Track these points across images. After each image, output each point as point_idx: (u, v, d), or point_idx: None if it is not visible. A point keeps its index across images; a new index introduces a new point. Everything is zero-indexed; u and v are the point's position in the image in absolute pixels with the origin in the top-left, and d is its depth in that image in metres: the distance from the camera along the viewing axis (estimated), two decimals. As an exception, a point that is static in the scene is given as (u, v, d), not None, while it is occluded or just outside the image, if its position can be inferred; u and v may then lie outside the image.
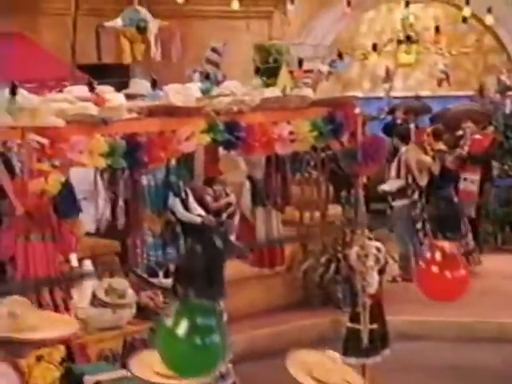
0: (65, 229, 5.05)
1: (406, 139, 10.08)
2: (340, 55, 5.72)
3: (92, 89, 4.92)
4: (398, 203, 9.73)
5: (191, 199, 8.40)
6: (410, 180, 9.70)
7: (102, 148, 5.02)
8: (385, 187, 9.73)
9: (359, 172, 6.13)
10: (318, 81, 9.54)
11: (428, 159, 9.86)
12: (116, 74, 11.03)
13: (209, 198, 8.72)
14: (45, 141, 4.82)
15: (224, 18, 11.71)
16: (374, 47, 6.59)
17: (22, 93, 5.16)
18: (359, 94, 14.40)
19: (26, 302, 4.55)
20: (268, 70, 12.12)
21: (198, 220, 8.31)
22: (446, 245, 3.75)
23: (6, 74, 9.45)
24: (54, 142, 4.85)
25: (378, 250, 6.14)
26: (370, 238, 6.12)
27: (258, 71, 6.23)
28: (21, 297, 4.58)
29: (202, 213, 8.36)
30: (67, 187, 4.92)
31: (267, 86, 8.97)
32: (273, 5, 12.12)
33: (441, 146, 10.09)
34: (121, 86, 7.22)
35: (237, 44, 11.75)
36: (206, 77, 5.48)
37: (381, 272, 6.17)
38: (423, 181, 9.74)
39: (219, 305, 3.13)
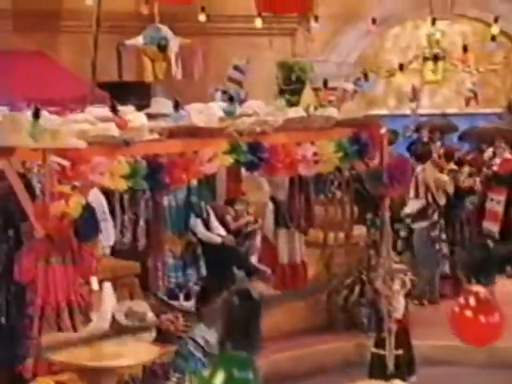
0: (85, 251, 5.10)
1: (423, 158, 10.05)
2: (365, 75, 5.75)
3: (115, 111, 4.96)
4: (418, 225, 9.65)
5: (212, 218, 8.43)
6: (430, 199, 9.66)
7: (123, 170, 5.07)
8: (407, 210, 9.68)
9: (385, 194, 6.12)
10: (343, 99, 9.57)
11: (445, 177, 9.82)
12: (137, 92, 11.11)
13: (229, 218, 8.75)
14: (66, 163, 4.87)
15: (246, 35, 11.77)
16: (401, 67, 6.60)
17: (43, 114, 5.25)
18: (384, 112, 14.42)
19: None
20: (291, 88, 12.22)
21: (219, 240, 8.33)
22: (481, 290, 3.75)
23: (25, 92, 9.58)
24: (75, 164, 4.91)
25: (404, 273, 6.12)
26: (395, 261, 6.10)
27: (281, 92, 6.24)
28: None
29: (223, 232, 8.38)
30: (88, 209, 4.96)
31: (290, 104, 9.00)
32: (296, 21, 12.16)
33: (452, 165, 10.08)
34: (142, 105, 7.30)
35: (259, 61, 11.81)
36: (230, 99, 5.51)
37: (407, 296, 6.15)
38: (442, 200, 9.72)
39: (256, 357, 3.17)
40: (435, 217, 9.65)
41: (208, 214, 8.33)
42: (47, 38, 11.10)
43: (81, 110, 7.19)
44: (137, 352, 4.66)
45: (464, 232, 9.87)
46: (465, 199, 9.98)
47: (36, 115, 4.62)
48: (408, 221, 9.25)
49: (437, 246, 9.70)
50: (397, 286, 5.94)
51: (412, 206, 9.46)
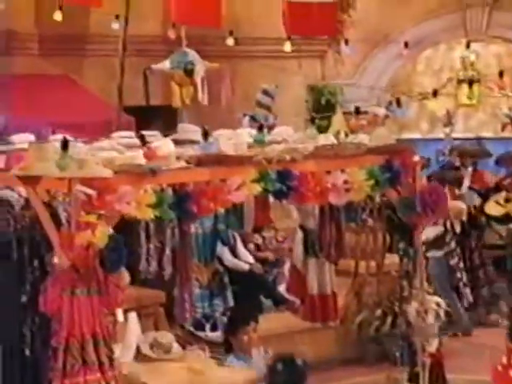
0: (111, 282, 5.14)
1: (453, 184, 10.00)
2: (398, 100, 5.76)
3: (143, 141, 5.03)
4: (432, 254, 9.55)
5: (239, 245, 8.46)
6: (448, 226, 9.60)
7: (149, 199, 5.13)
8: (423, 237, 9.58)
9: (418, 223, 6.12)
10: (374, 124, 9.59)
11: (462, 204, 9.76)
12: (163, 117, 11.25)
13: (252, 246, 8.78)
14: (92, 192, 4.93)
15: (275, 57, 11.86)
16: (434, 93, 6.62)
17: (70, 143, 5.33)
18: (417, 136, 14.39)
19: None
20: (321, 112, 12.27)
21: (246, 267, 8.35)
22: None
23: (50, 116, 9.73)
24: (102, 193, 4.97)
25: (438, 305, 6.09)
26: (429, 293, 6.08)
27: (313, 121, 6.28)
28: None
29: (251, 260, 8.40)
30: (114, 239, 5.01)
31: (320, 128, 9.04)
32: (326, 44, 12.23)
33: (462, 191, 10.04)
34: (168, 129, 7.38)
35: (288, 84, 11.90)
36: (260, 128, 5.55)
37: (441, 328, 6.12)
38: (458, 227, 9.67)
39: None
40: (452, 245, 9.58)
41: (235, 241, 8.36)
42: (73, 62, 11.28)
43: (106, 135, 7.31)
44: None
45: (475, 259, 9.78)
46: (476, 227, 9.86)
47: (64, 147, 4.69)
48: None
49: (458, 275, 9.61)
50: (431, 318, 5.91)
51: (428, 234, 9.34)
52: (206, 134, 5.36)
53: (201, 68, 9.24)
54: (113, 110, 9.93)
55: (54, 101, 10.30)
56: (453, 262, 9.54)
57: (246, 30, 12.00)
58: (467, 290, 9.50)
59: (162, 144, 5.68)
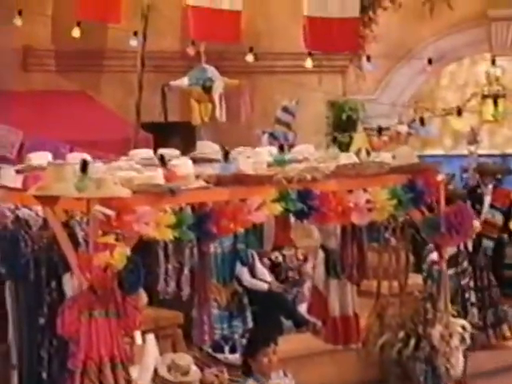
0: (129, 304, 5.17)
1: (472, 202, 9.95)
2: (422, 119, 5.78)
3: (163, 163, 5.07)
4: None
5: (257, 264, 8.47)
6: (461, 245, 9.56)
7: (169, 220, 5.17)
8: (434, 256, 9.55)
9: (442, 244, 6.11)
10: (397, 141, 9.60)
11: (476, 223, 9.71)
12: (181, 133, 11.31)
13: (271, 265, 8.77)
14: (110, 212, 4.98)
15: (294, 73, 11.90)
16: (459, 112, 6.62)
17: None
18: (440, 152, 14.35)
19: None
20: (342, 128, 12.29)
21: (265, 286, 8.34)
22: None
23: (68, 134, 9.82)
24: (120, 214, 5.01)
25: (464, 328, 6.07)
26: (454, 316, 6.06)
27: (334, 140, 6.30)
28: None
29: (269, 278, 8.39)
30: (133, 261, 5.05)
31: (340, 145, 9.06)
32: (348, 59, 12.26)
33: None
34: (186, 146, 7.41)
35: (308, 100, 11.93)
36: (281, 148, 5.58)
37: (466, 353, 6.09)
38: (470, 246, 9.62)
39: None
40: (465, 264, 9.54)
41: (253, 260, 8.37)
42: (90, 78, 11.38)
43: (124, 153, 7.36)
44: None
45: (484, 280, 9.72)
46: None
47: (84, 168, 4.74)
48: (435, 268, 9.14)
49: (466, 295, 9.57)
50: (456, 342, 5.89)
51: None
52: (226, 155, 5.38)
53: (219, 85, 9.29)
54: (130, 127, 9.99)
55: (71, 117, 10.39)
56: (464, 281, 9.51)
57: (266, 45, 12.05)
58: (474, 311, 9.47)
59: (181, 163, 5.72)
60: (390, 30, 12.30)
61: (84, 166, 4.77)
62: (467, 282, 9.44)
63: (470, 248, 9.46)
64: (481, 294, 9.52)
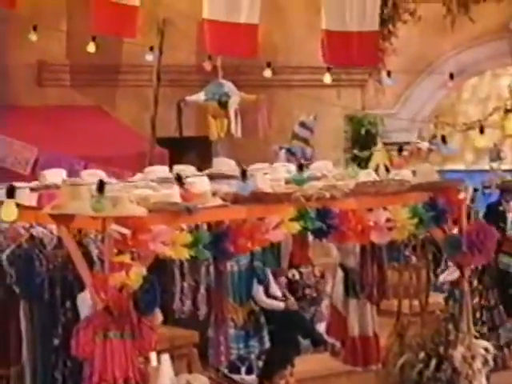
0: (144, 325, 5.18)
1: (492, 219, 9.87)
2: (443, 137, 5.77)
3: (180, 183, 5.09)
4: None
5: (272, 282, 8.46)
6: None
7: (185, 239, 5.18)
8: (447, 277, 9.47)
9: (464, 263, 6.09)
10: (417, 157, 9.57)
11: None
12: (197, 149, 11.35)
13: (287, 283, 8.76)
14: (126, 231, 5.00)
15: (312, 86, 11.92)
16: (481, 130, 6.60)
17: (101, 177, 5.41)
18: (461, 167, 14.26)
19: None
20: (360, 143, 12.27)
21: (281, 305, 8.33)
22: None
23: (82, 149, 9.88)
24: (136, 233, 5.03)
25: (487, 350, 6.04)
26: (476, 337, 6.03)
27: (355, 159, 6.30)
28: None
29: (279, 293, 8.37)
30: (149, 281, 5.06)
31: (359, 160, 9.03)
32: (367, 73, 12.27)
33: None
34: (202, 161, 7.45)
35: (326, 114, 11.94)
36: (300, 167, 5.58)
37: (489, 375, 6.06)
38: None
39: None
40: (475, 283, 9.47)
41: (268, 278, 8.36)
42: (105, 93, 11.45)
43: (140, 169, 7.39)
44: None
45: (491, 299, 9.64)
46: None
47: (100, 189, 4.77)
48: (446, 287, 9.08)
49: (477, 315, 9.50)
50: (478, 364, 5.86)
51: (454, 273, 9.18)
52: (243, 173, 5.39)
53: (235, 100, 9.32)
54: (146, 142, 10.03)
55: (86, 132, 10.45)
56: (474, 301, 9.46)
57: (283, 59, 12.09)
58: (485, 330, 9.42)
59: (198, 180, 5.74)
60: (410, 43, 12.31)
61: (101, 186, 4.79)
62: (477, 301, 9.40)
63: (480, 266, 9.40)
64: (490, 313, 9.48)
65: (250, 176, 5.82)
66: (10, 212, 4.77)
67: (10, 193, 4.87)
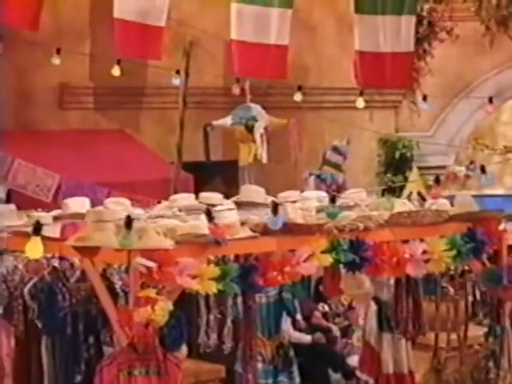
0: (170, 361, 5.22)
1: None
2: (483, 168, 5.74)
3: (210, 217, 5.13)
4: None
5: (299, 316, 8.46)
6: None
7: (213, 272, 5.22)
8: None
9: (505, 298, 6.07)
10: (453, 181, 9.56)
11: None
12: (223, 173, 11.42)
13: (318, 314, 8.76)
14: (152, 264, 5.04)
15: (343, 108, 11.96)
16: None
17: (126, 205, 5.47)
18: (500, 192, 14.16)
19: None
20: (394, 167, 12.24)
21: (309, 339, 8.32)
22: None
23: (104, 174, 9.98)
24: (162, 266, 5.07)
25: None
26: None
27: (390, 190, 6.31)
28: None
29: (302, 324, 8.37)
30: (175, 317, 5.10)
31: (393, 184, 9.00)
32: (401, 94, 12.28)
33: None
34: (229, 186, 7.48)
35: (358, 137, 11.97)
36: (332, 200, 5.60)
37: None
38: None
39: None
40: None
41: (297, 311, 8.36)
42: (128, 116, 11.56)
43: (165, 197, 7.45)
44: None
45: None
46: None
47: (128, 225, 4.82)
48: (486, 322, 9.01)
49: None
50: (520, 404, 5.82)
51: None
52: (275, 207, 5.40)
53: (260, 124, 9.35)
54: (170, 167, 10.10)
55: (109, 157, 10.55)
56: None
57: (314, 80, 12.16)
58: None
59: (225, 209, 5.79)
60: (447, 63, 12.31)
61: (129, 222, 4.83)
62: None
63: None
64: None
65: (281, 206, 5.85)
66: (36, 249, 4.81)
67: (37, 230, 4.90)
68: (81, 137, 10.79)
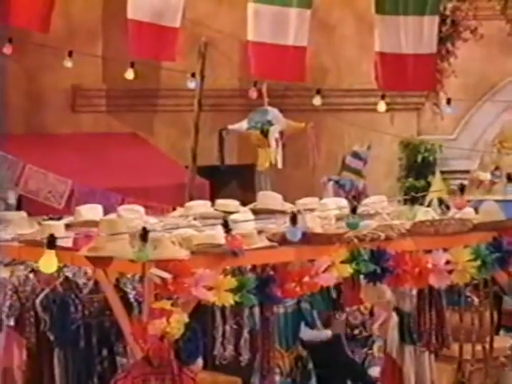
0: (186, 375, 5.25)
1: None
2: (509, 176, 5.72)
3: (227, 230, 5.16)
4: None
5: (319, 323, 8.46)
6: None
7: (230, 284, 5.24)
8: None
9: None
10: (477, 185, 9.53)
11: None
12: (239, 177, 11.44)
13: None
14: (167, 275, 5.07)
15: (363, 111, 11.95)
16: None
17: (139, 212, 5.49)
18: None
19: None
20: (416, 171, 12.20)
21: (329, 333, 8.26)
22: None
23: (118, 180, 10.02)
24: (177, 277, 5.10)
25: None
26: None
27: (413, 201, 6.31)
28: None
29: (329, 332, 8.37)
30: (191, 329, 5.13)
31: (415, 189, 8.98)
32: (423, 95, 12.25)
33: None
34: (245, 190, 7.49)
35: (379, 140, 11.96)
36: (353, 210, 5.60)
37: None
38: None
39: None
40: None
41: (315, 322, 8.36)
42: (142, 119, 11.60)
43: (180, 204, 7.48)
44: None
45: None
46: None
47: (144, 238, 4.84)
48: None
49: None
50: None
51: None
52: (293, 218, 5.42)
53: (275, 128, 9.35)
54: (185, 172, 10.11)
55: (122, 161, 10.58)
56: None
57: (333, 82, 12.15)
58: None
59: (242, 218, 5.81)
60: (471, 63, 12.27)
61: (144, 234, 4.86)
62: None
63: None
64: None
65: (299, 214, 5.86)
66: (50, 264, 4.84)
67: (51, 243, 4.92)
68: (93, 140, 10.84)
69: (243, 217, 6.09)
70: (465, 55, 12.09)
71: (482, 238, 6.09)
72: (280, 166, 9.50)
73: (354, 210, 5.66)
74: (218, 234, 5.44)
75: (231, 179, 11.37)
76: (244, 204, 7.50)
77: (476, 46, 12.16)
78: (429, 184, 10.51)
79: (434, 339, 7.34)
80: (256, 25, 8.87)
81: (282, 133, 9.52)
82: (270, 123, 9.32)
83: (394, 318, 7.78)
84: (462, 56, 12.03)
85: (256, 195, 8.41)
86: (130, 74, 9.66)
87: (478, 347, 9.14)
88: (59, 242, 5.53)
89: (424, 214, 6.19)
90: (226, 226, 5.23)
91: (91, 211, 6.38)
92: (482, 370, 8.59)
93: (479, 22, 11.94)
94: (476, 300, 8.99)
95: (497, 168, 10.55)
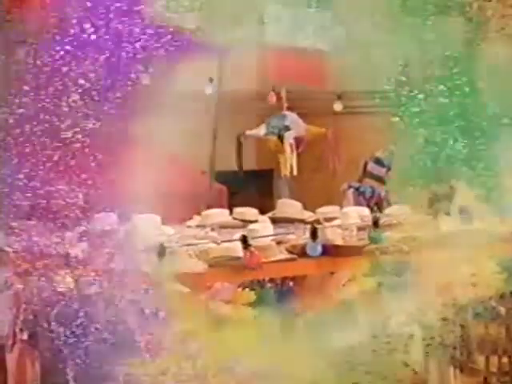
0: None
1: None
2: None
3: (246, 245, 5.20)
4: None
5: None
6: None
7: (248, 297, 5.27)
8: None
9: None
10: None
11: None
12: (257, 182, 11.41)
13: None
14: (184, 289, 5.11)
15: (386, 113, 11.86)
16: None
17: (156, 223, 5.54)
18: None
19: None
20: (439, 177, 12.10)
21: None
22: None
23: (131, 185, 10.01)
24: (194, 290, 5.13)
25: None
26: None
27: (432, 204, 6.32)
28: None
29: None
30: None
31: (438, 197, 8.88)
32: (446, 96, 12.20)
33: None
34: (263, 196, 7.47)
35: (400, 144, 11.87)
36: (375, 223, 5.62)
37: None
38: None
39: None
40: None
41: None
42: (157, 123, 11.57)
43: (197, 212, 7.51)
44: None
45: None
46: None
47: (161, 254, 4.89)
48: None
49: None
50: None
51: None
52: (314, 233, 5.45)
53: (290, 134, 9.33)
54: (202, 178, 10.11)
55: (136, 166, 10.56)
56: None
57: (351, 83, 12.09)
58: None
59: (261, 230, 5.84)
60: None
61: (162, 251, 4.90)
62: None
63: None
64: None
65: (319, 225, 5.90)
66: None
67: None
68: (105, 144, 10.82)
69: (262, 226, 6.12)
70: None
71: (509, 249, 6.09)
72: (295, 172, 9.48)
73: (376, 223, 5.67)
74: (236, 247, 5.47)
75: (249, 184, 11.36)
76: (262, 210, 7.51)
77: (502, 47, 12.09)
78: (452, 188, 10.44)
79: (459, 353, 7.34)
80: (274, 27, 8.88)
81: (300, 138, 9.51)
82: (287, 128, 9.31)
83: (418, 331, 7.79)
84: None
85: (274, 201, 8.43)
86: (145, 80, 9.66)
87: (505, 359, 9.13)
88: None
89: (447, 224, 6.20)
90: (244, 241, 5.26)
91: (106, 220, 6.44)
92: (509, 382, 8.59)
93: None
94: (503, 310, 8.98)
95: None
